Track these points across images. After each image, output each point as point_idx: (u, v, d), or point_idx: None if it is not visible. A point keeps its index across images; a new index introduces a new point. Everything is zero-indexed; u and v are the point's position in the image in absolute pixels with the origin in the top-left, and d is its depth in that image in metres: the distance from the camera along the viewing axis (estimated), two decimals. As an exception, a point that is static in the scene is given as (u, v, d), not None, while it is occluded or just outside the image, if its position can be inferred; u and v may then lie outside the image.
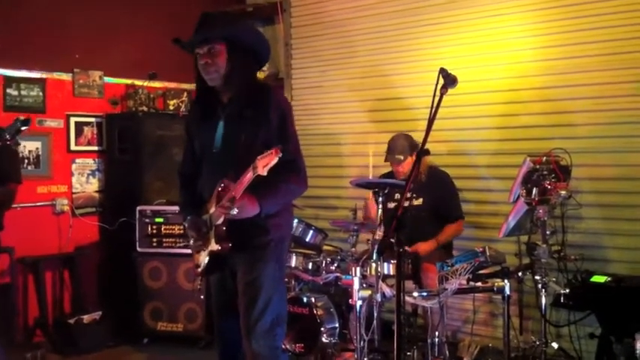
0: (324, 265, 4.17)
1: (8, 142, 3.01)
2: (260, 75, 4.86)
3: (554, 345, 3.75)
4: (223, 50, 2.73)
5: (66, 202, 5.15)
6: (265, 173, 2.50)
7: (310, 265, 4.21)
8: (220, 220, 2.71)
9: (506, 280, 3.44)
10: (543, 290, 3.64)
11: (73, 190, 5.24)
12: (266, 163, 2.48)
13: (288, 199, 2.93)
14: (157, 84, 5.58)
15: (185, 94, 5.77)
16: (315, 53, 5.69)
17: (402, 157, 4.24)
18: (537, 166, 3.65)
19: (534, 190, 3.62)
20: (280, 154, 2.48)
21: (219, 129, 2.82)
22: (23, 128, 3.01)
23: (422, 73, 4.85)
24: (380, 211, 3.87)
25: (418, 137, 4.34)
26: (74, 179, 5.26)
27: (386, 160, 4.38)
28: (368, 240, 3.91)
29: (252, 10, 5.97)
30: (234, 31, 2.81)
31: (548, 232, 3.64)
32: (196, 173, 2.97)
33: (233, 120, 2.80)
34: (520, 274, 3.72)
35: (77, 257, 5.17)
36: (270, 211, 2.73)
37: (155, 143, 5.23)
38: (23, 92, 4.94)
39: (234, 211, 2.61)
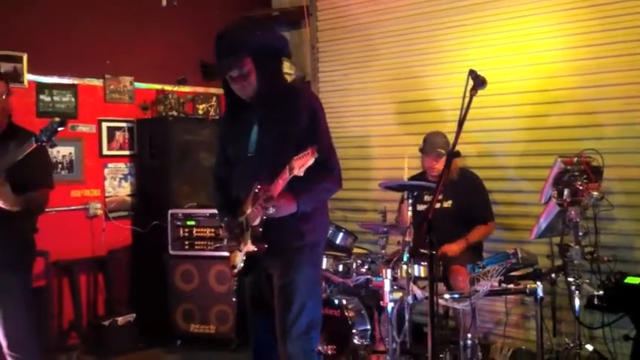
0: (354, 267, 4.18)
1: (44, 144, 3.03)
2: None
3: (589, 347, 3.71)
4: (252, 67, 2.75)
5: (99, 205, 5.23)
6: (302, 174, 2.53)
7: (341, 268, 4.23)
8: (257, 221, 2.73)
9: (538, 282, 3.42)
10: (576, 292, 3.58)
11: (106, 194, 5.32)
12: (302, 163, 2.51)
13: (323, 198, 2.94)
14: (186, 89, 5.64)
15: (214, 98, 5.83)
16: (341, 56, 5.71)
17: (443, 151, 4.24)
18: (568, 167, 3.61)
19: (566, 192, 3.58)
20: (316, 155, 2.51)
21: (254, 134, 2.85)
22: (59, 129, 3.02)
23: (449, 75, 4.86)
24: (410, 212, 3.89)
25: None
26: (107, 183, 5.33)
27: (424, 154, 4.38)
28: (398, 242, 3.91)
29: (278, 15, 6.01)
30: (254, 42, 2.78)
31: (580, 234, 3.59)
32: (230, 176, 3.00)
33: (266, 123, 2.83)
34: (552, 275, 3.68)
35: (110, 260, 5.25)
36: (306, 209, 2.75)
37: (184, 148, 5.28)
38: (56, 98, 5.03)
39: (272, 210, 2.64)
